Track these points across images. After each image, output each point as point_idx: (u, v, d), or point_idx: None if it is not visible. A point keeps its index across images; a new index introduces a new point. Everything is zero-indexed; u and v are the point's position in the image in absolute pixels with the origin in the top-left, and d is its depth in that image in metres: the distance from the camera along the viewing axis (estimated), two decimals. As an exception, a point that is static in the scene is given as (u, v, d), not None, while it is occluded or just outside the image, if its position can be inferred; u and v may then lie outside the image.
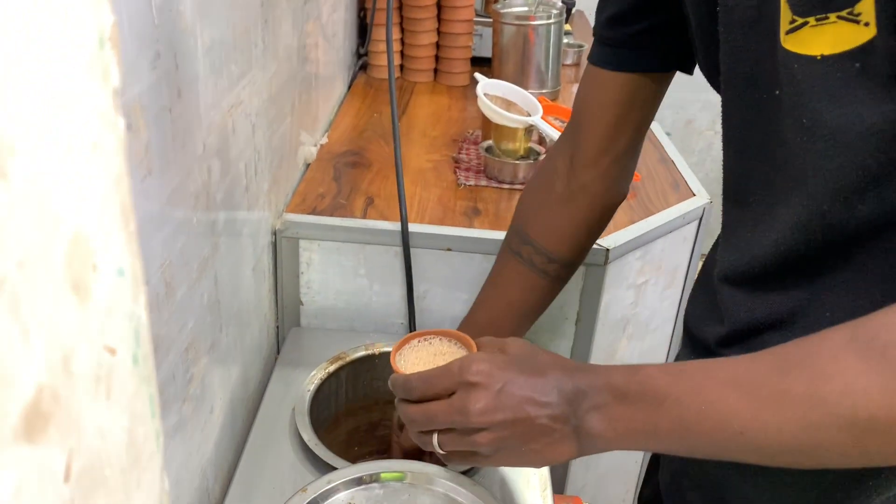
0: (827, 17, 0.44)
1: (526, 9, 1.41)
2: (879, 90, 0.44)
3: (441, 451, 0.58)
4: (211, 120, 0.68)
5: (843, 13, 0.43)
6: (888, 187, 0.46)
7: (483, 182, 1.13)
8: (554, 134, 1.11)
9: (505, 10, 1.40)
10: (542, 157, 1.14)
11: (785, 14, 0.46)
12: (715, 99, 0.59)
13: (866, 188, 0.47)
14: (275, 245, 0.97)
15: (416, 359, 0.67)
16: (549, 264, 0.80)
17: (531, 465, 0.58)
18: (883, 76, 0.43)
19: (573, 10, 1.87)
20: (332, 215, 1.00)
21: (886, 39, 0.42)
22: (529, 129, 1.12)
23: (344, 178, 1.12)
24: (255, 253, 0.88)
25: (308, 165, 1.15)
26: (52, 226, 0.16)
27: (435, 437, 0.58)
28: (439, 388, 0.57)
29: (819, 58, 0.45)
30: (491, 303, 0.84)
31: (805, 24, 0.45)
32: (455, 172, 1.17)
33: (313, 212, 1.01)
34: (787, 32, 0.46)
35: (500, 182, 1.13)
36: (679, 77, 0.73)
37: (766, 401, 0.45)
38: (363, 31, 1.59)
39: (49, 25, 0.16)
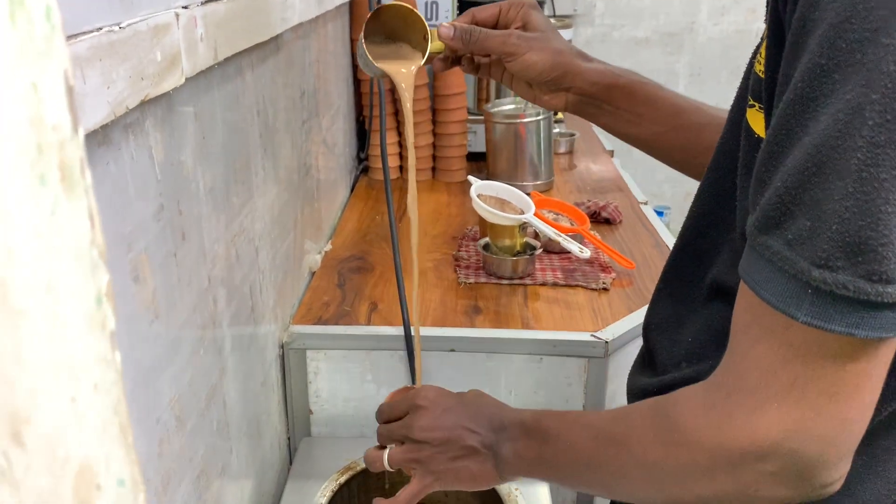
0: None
1: (515, 107, 1.48)
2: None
3: (390, 468, 0.71)
4: (215, 253, 0.72)
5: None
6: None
7: (483, 279, 1.17)
8: (546, 230, 1.15)
9: (495, 110, 1.46)
10: (538, 251, 1.18)
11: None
12: None
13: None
14: (282, 358, 1.00)
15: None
16: None
17: (463, 483, 0.68)
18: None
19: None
20: (337, 323, 1.03)
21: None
22: (524, 226, 1.16)
23: (348, 285, 1.15)
24: (263, 368, 0.91)
25: (313, 273, 1.19)
26: (61, 468, 0.19)
27: (385, 453, 0.71)
28: (398, 410, 0.72)
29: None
30: None
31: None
32: (455, 270, 1.20)
33: (319, 321, 1.04)
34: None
35: (500, 278, 1.16)
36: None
37: (601, 443, 0.57)
38: (362, 135, 1.66)
39: (47, 300, 0.20)
